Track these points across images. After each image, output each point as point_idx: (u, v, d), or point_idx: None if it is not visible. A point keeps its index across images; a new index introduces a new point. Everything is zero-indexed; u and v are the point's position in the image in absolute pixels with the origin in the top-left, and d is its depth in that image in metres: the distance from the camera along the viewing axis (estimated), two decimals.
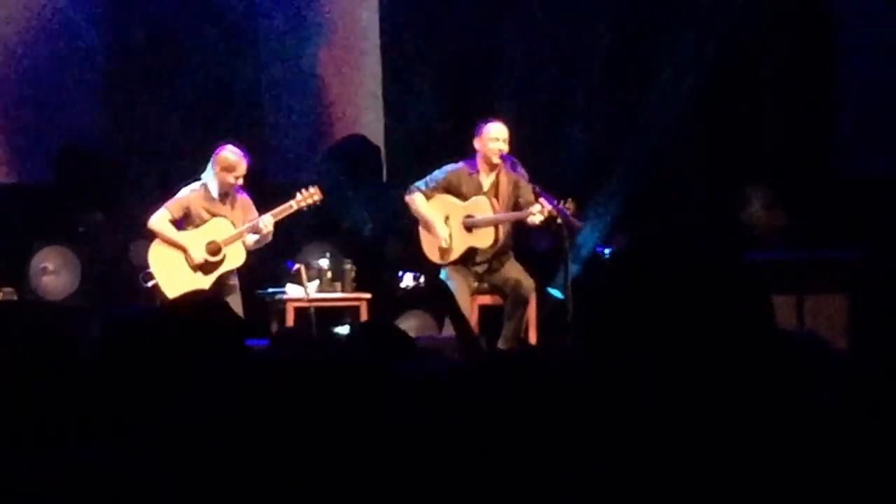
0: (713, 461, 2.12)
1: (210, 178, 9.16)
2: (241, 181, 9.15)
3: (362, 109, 11.23)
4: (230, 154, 9.12)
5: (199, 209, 9.13)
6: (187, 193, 9.18)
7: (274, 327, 9.80)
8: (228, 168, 9.09)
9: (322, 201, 9.38)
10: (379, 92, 11.18)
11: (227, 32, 10.84)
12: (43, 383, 2.71)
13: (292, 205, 9.25)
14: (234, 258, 9.16)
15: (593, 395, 2.24)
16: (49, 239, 10.45)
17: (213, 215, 9.15)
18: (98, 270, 10.42)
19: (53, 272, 10.41)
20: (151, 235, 9.15)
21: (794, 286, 8.96)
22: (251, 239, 9.15)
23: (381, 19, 11.13)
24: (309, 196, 9.31)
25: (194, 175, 9.40)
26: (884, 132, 10.50)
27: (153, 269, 9.11)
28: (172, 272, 9.10)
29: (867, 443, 2.32)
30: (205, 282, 9.10)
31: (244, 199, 9.24)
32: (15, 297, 9.96)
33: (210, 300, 3.24)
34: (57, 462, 2.28)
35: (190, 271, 9.11)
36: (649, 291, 2.20)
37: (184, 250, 9.09)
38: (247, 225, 9.12)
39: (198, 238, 9.12)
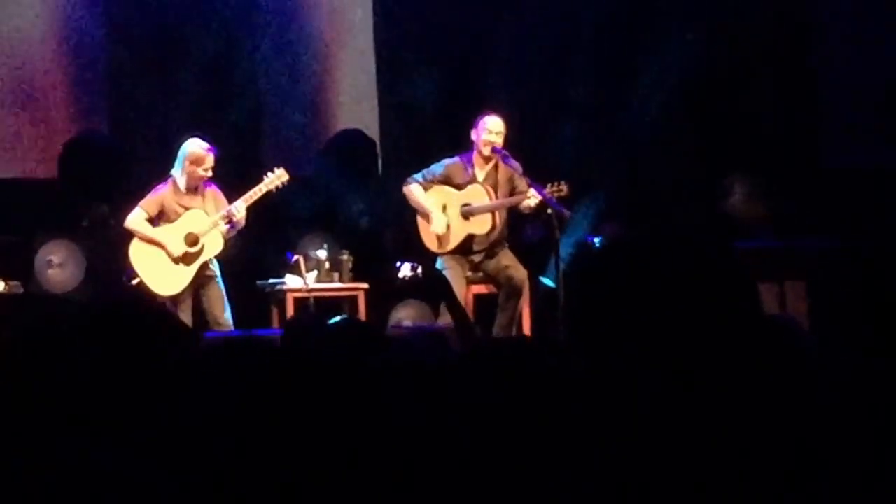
0: (706, 449, 2.13)
1: (178, 173, 9.28)
2: (209, 173, 9.26)
3: (358, 105, 11.26)
4: (197, 148, 9.23)
5: (172, 204, 9.26)
6: (160, 191, 9.30)
7: (274, 316, 9.91)
8: (197, 161, 9.21)
9: (290, 181, 9.43)
10: (374, 88, 11.25)
11: (227, 29, 10.87)
12: (48, 375, 2.72)
13: (261, 188, 9.32)
14: (213, 247, 9.28)
15: (585, 385, 2.26)
16: (54, 233, 10.47)
17: (187, 209, 9.27)
18: (102, 263, 10.44)
19: (58, 265, 10.42)
20: (130, 235, 9.28)
21: (775, 274, 9.04)
22: (225, 227, 9.25)
23: (375, 17, 11.19)
24: (277, 178, 9.38)
25: None
26: (863, 123, 10.58)
27: (136, 266, 9.24)
28: (155, 267, 9.24)
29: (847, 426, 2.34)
30: (187, 273, 9.24)
31: (213, 191, 9.35)
32: (21, 290, 10.05)
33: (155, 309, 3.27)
34: (58, 457, 2.35)
35: (171, 264, 9.23)
36: (638, 282, 2.21)
37: (162, 246, 9.22)
38: (221, 213, 9.24)
39: (175, 231, 9.24)
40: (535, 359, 2.54)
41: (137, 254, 9.28)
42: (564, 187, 9.15)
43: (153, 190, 9.33)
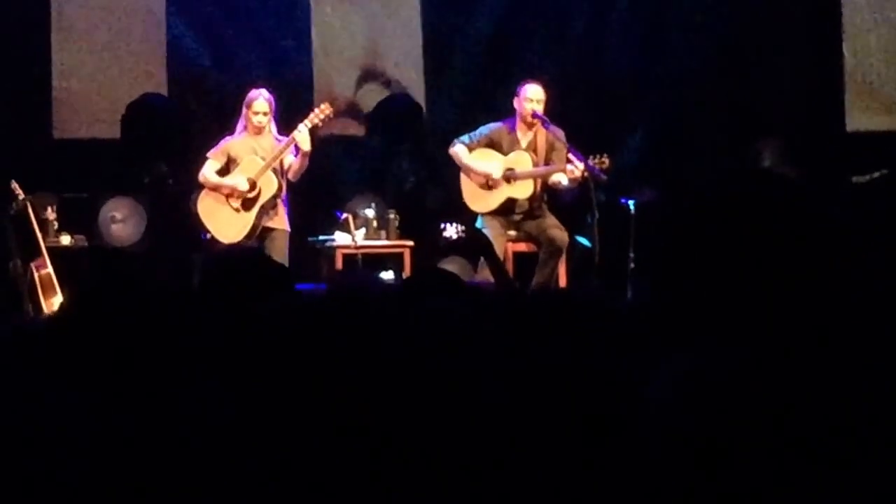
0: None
1: (240, 120, 9.30)
2: (262, 118, 9.20)
3: (405, 71, 11.29)
4: (252, 92, 9.25)
5: (237, 150, 9.24)
6: (226, 140, 9.31)
7: (325, 271, 9.90)
8: (248, 104, 9.20)
9: (334, 113, 9.49)
10: (420, 54, 11.23)
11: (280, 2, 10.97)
12: (112, 321, 2.64)
13: (312, 118, 9.26)
14: (268, 188, 9.20)
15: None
16: (117, 190, 10.55)
17: (247, 154, 9.22)
18: (162, 219, 10.51)
19: (121, 221, 10.50)
20: (200, 188, 9.28)
21: None
22: (290, 159, 9.20)
23: None
24: (321, 111, 9.34)
25: None
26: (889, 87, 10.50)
27: (204, 220, 9.24)
28: (220, 218, 9.23)
29: None
30: (248, 218, 9.19)
31: (273, 136, 9.27)
32: (85, 244, 10.15)
33: (255, 251, 3.29)
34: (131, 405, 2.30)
35: (233, 212, 9.21)
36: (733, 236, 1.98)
37: (231, 188, 9.16)
38: (281, 145, 9.17)
39: (237, 179, 9.21)
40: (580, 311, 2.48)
41: (204, 207, 9.28)
42: (606, 160, 9.08)
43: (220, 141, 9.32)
